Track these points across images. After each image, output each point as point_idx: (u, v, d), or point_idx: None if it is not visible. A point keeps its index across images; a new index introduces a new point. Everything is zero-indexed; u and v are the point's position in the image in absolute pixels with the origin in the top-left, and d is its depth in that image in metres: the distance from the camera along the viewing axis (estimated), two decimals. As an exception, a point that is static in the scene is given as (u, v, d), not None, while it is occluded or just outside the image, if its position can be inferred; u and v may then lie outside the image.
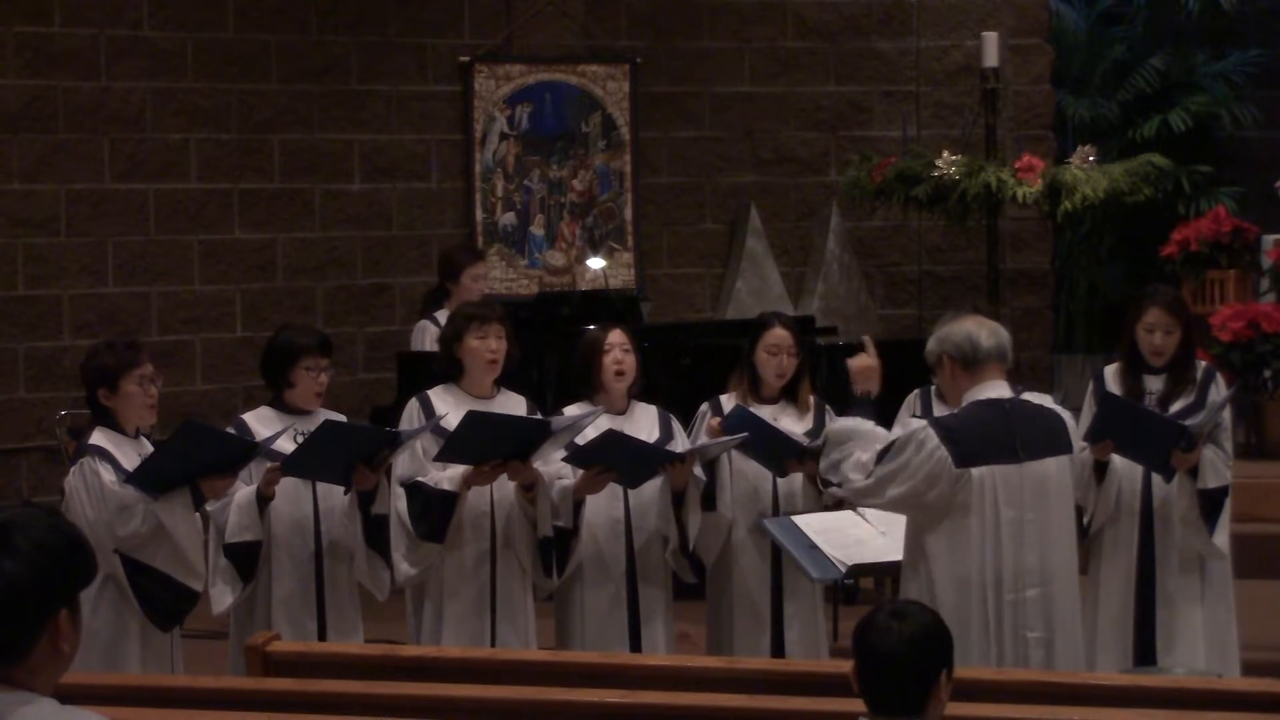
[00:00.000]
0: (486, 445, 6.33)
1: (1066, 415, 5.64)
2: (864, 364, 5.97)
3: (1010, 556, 5.33)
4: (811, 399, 6.95)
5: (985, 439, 5.34)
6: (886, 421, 7.01)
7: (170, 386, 8.05)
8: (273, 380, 6.52)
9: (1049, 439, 5.47)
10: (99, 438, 6.15)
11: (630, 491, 6.67)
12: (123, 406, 6.18)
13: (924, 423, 5.45)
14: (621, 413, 6.69)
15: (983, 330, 5.47)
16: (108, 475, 6.05)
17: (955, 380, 5.49)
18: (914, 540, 5.49)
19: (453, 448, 6.32)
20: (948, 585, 5.34)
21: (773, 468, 6.77)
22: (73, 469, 6.14)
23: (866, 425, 5.70)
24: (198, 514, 6.20)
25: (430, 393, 6.62)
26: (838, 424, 5.82)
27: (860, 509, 6.41)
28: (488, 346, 6.55)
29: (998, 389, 5.44)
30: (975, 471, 5.31)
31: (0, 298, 10.29)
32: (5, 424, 10.30)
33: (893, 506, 5.52)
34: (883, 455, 5.42)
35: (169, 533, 6.04)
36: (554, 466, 6.58)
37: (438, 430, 6.39)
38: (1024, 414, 5.48)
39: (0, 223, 10.27)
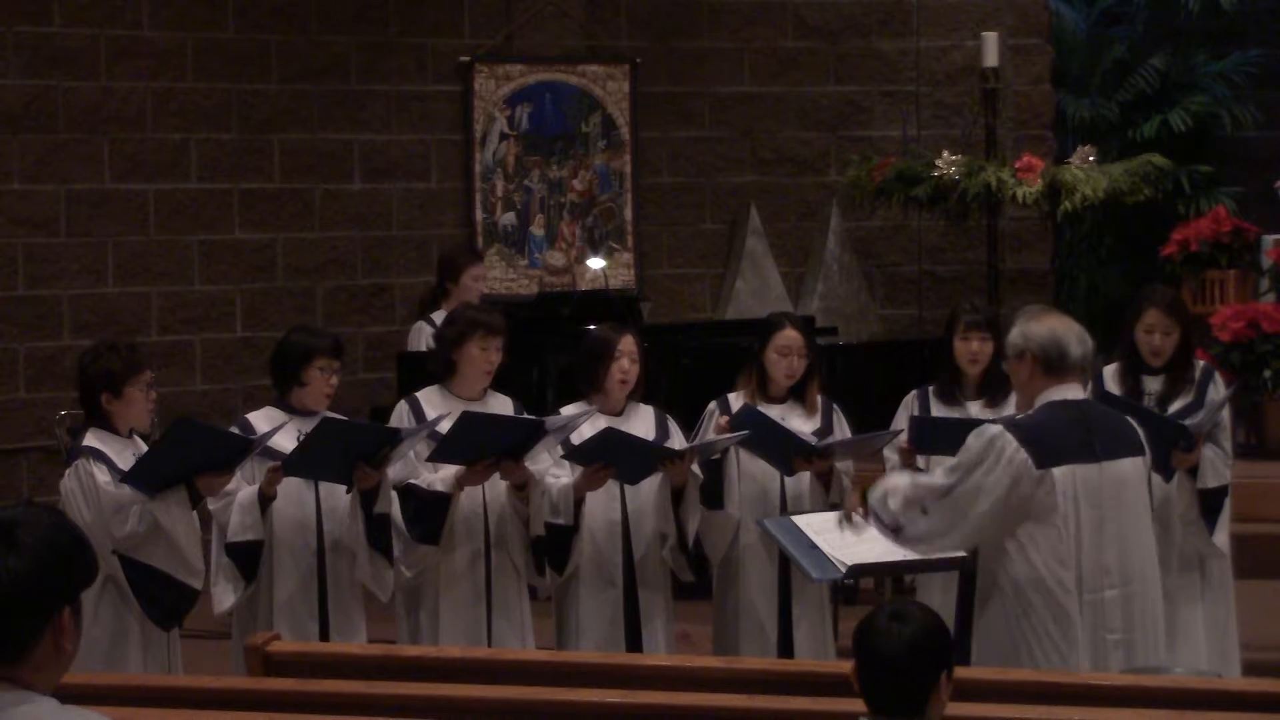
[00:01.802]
0: (480, 445, 6.33)
1: (1135, 422, 5.56)
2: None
3: (1090, 557, 5.26)
4: (819, 399, 6.95)
5: (1064, 439, 5.26)
6: (881, 424, 7.03)
7: (170, 386, 8.07)
8: (283, 379, 6.51)
9: (1124, 440, 5.41)
10: (93, 439, 6.15)
11: (628, 494, 6.67)
12: (123, 411, 6.19)
13: (999, 428, 5.31)
14: (618, 413, 6.69)
15: (1071, 335, 5.33)
16: (103, 476, 6.05)
17: (1032, 380, 5.37)
18: (992, 549, 5.34)
19: (446, 447, 6.32)
20: (1033, 589, 5.24)
21: (781, 467, 6.77)
22: (68, 471, 6.15)
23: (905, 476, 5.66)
24: (195, 512, 6.21)
25: (419, 394, 6.63)
26: (880, 489, 5.57)
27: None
28: (488, 358, 6.56)
29: (1074, 391, 5.37)
30: (1056, 472, 5.23)
31: (0, 298, 10.29)
32: (5, 424, 10.30)
33: (979, 526, 5.29)
34: (953, 482, 5.28)
35: (166, 531, 6.04)
36: (544, 465, 6.58)
37: (434, 434, 6.39)
38: (1098, 415, 5.43)
39: (0, 223, 10.27)
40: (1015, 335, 5.41)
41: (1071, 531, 5.24)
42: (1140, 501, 5.42)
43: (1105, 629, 5.28)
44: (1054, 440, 5.25)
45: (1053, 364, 5.33)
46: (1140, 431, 5.51)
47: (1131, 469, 5.39)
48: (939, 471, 5.45)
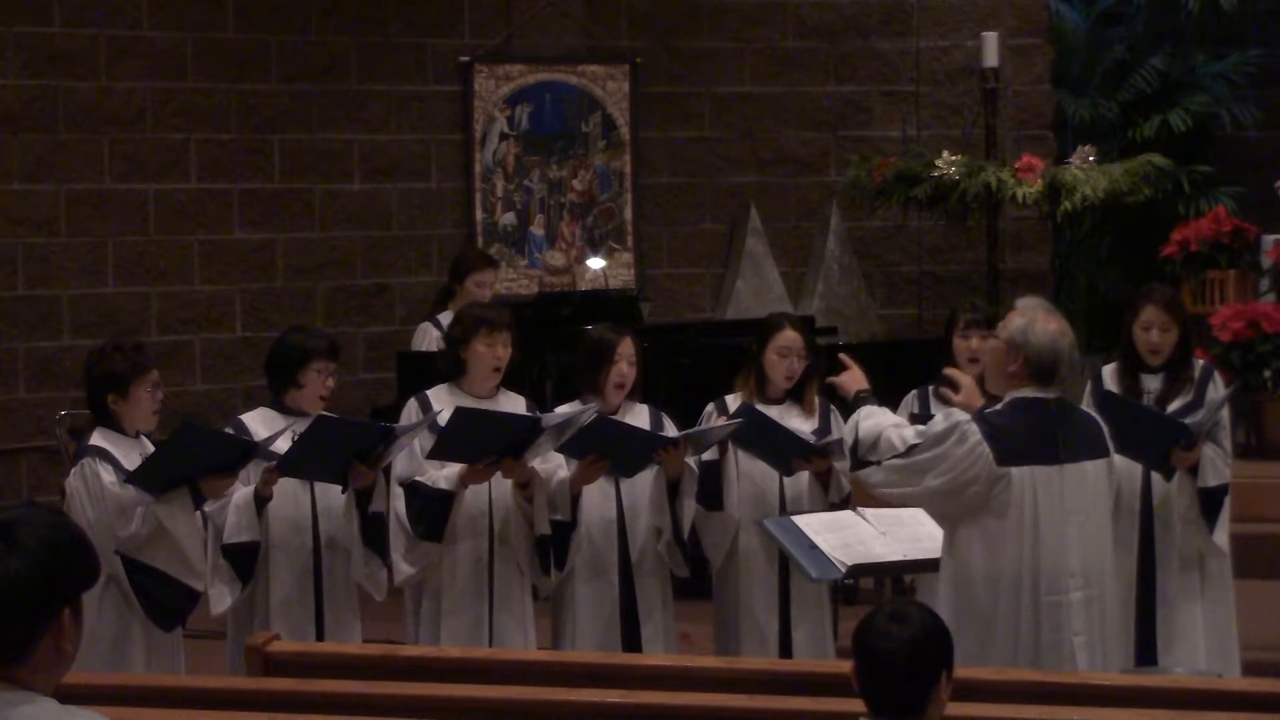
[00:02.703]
0: (477, 442, 6.32)
1: (1101, 422, 5.57)
2: (847, 377, 5.91)
3: (1050, 558, 5.26)
4: (817, 400, 6.94)
5: (1029, 439, 5.28)
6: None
7: (170, 386, 8.01)
8: (278, 380, 6.51)
9: (1089, 442, 5.42)
10: (99, 439, 6.15)
11: (623, 490, 6.67)
12: (129, 411, 6.19)
13: (966, 415, 5.37)
14: (613, 412, 6.69)
15: (1066, 350, 5.34)
16: (108, 476, 6.05)
17: (1014, 378, 5.37)
18: (948, 535, 5.43)
19: (444, 444, 6.31)
20: (980, 582, 5.29)
21: (779, 467, 6.77)
22: (73, 470, 6.15)
23: (890, 415, 5.67)
24: (198, 513, 6.21)
25: (429, 392, 6.62)
26: (864, 409, 5.69)
27: (860, 510, 6.41)
28: (494, 354, 6.55)
29: (1045, 391, 5.38)
30: (1015, 472, 5.26)
31: (0, 298, 10.29)
32: (5, 424, 10.30)
33: (927, 496, 5.39)
34: (916, 446, 5.34)
35: (169, 533, 6.04)
36: (551, 464, 6.58)
37: (434, 427, 6.39)
38: (1065, 415, 5.43)
39: (0, 223, 10.27)
40: (1017, 330, 5.38)
41: (1028, 531, 5.26)
42: (1102, 503, 5.44)
43: (1070, 630, 5.30)
44: (1017, 440, 5.28)
45: (1042, 374, 5.34)
46: (1107, 432, 5.51)
47: (1094, 471, 5.40)
48: (910, 431, 5.45)
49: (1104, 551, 5.43)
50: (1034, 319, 5.39)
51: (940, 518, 5.51)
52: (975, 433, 5.26)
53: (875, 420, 5.54)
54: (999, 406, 5.42)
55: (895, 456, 5.38)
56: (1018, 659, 5.26)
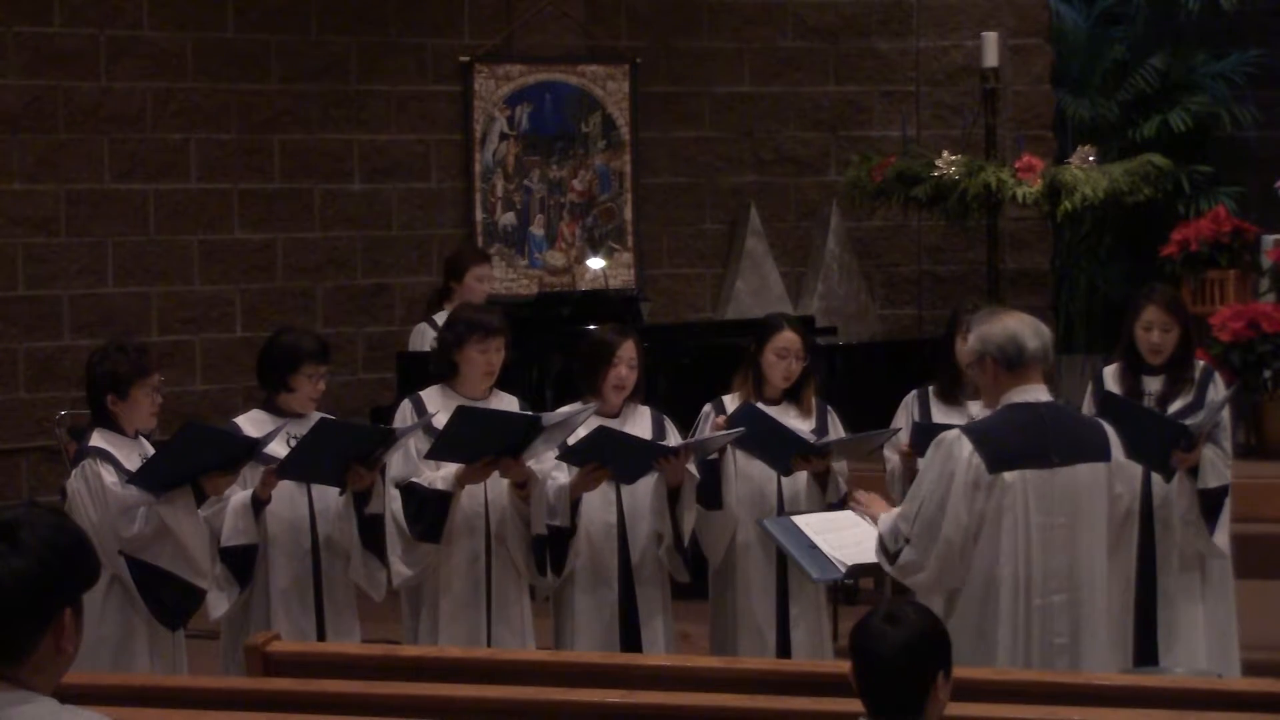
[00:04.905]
0: (477, 442, 6.31)
1: (1107, 427, 5.53)
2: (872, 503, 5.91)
3: (1039, 561, 5.25)
4: (814, 401, 6.94)
5: (1018, 443, 5.26)
6: (881, 424, 7.02)
7: (170, 386, 8.01)
8: (270, 383, 6.51)
9: (1084, 445, 5.38)
10: (99, 439, 6.15)
11: (624, 495, 6.66)
12: (129, 412, 6.18)
13: (955, 432, 5.33)
14: (615, 415, 6.68)
15: (1026, 329, 5.33)
16: (110, 477, 6.05)
17: (997, 381, 5.36)
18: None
19: (443, 445, 6.30)
20: (976, 584, 5.27)
21: (778, 466, 6.76)
22: (74, 471, 6.14)
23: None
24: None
25: (423, 394, 6.61)
26: (882, 516, 5.58)
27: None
28: (487, 360, 6.54)
29: (1035, 392, 5.34)
30: (1008, 476, 5.23)
31: (0, 298, 10.29)
32: (5, 424, 10.30)
33: (949, 539, 5.25)
34: (918, 504, 5.28)
35: (172, 532, 6.04)
36: (547, 464, 6.57)
37: (430, 429, 6.39)
38: (1060, 419, 5.40)
39: (0, 223, 10.27)
40: (973, 341, 5.41)
41: (1021, 534, 5.24)
42: (1097, 508, 5.38)
43: (1052, 633, 5.28)
44: (1007, 444, 5.25)
45: (1012, 361, 5.31)
46: (1109, 435, 5.47)
47: (1089, 475, 5.35)
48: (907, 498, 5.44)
49: (1094, 556, 5.37)
50: (981, 323, 5.41)
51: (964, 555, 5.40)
52: (966, 445, 5.24)
53: (890, 514, 5.50)
54: (988, 415, 5.42)
55: (909, 523, 5.31)
56: (1013, 661, 5.25)
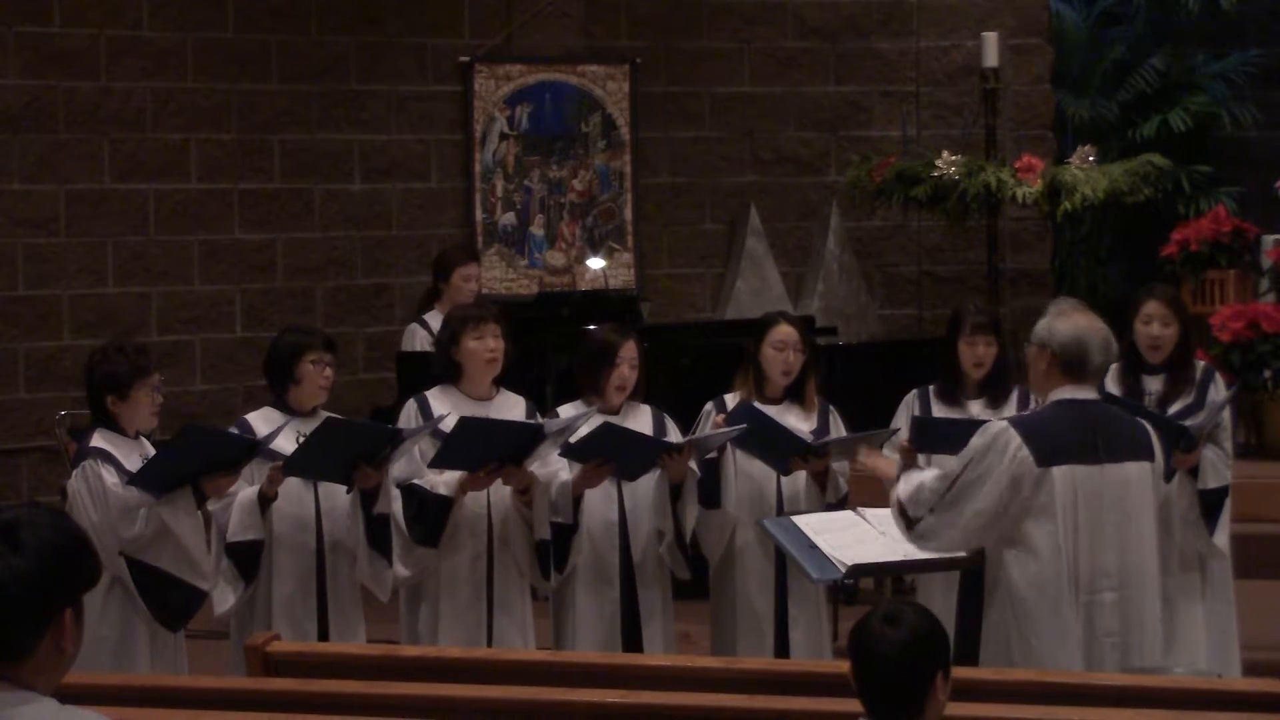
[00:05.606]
0: (481, 450, 6.32)
1: (1150, 427, 5.52)
2: (884, 464, 5.91)
3: (1086, 559, 5.23)
4: (816, 399, 6.94)
5: (1067, 439, 5.23)
6: (881, 424, 7.02)
7: (170, 387, 8.02)
8: (277, 378, 6.51)
9: (1131, 443, 5.35)
10: (100, 440, 6.15)
11: (625, 493, 6.67)
12: (129, 413, 6.19)
13: (1004, 423, 5.30)
14: (615, 413, 6.69)
15: (1096, 341, 5.28)
16: (110, 478, 6.05)
17: (1049, 375, 5.32)
18: (996, 550, 5.33)
19: (448, 454, 6.31)
20: (1027, 587, 5.23)
21: (777, 466, 6.76)
22: (75, 472, 6.15)
23: (930, 470, 5.63)
24: (200, 513, 6.21)
25: (428, 394, 6.61)
26: (902, 476, 5.59)
27: (860, 510, 6.40)
28: (485, 346, 6.53)
29: (1085, 391, 5.32)
30: (1056, 471, 5.20)
31: (0, 298, 10.29)
32: (5, 424, 10.30)
33: (974, 523, 5.26)
34: (954, 475, 5.26)
35: (173, 533, 6.04)
36: (553, 465, 6.57)
37: (437, 433, 6.38)
38: (1107, 417, 5.38)
39: (0, 223, 10.27)
40: (1041, 327, 5.36)
41: (1069, 531, 5.22)
42: (1144, 506, 5.35)
43: (1103, 631, 5.25)
44: (1056, 439, 5.23)
45: (1071, 366, 5.28)
46: (1152, 435, 5.44)
47: (1136, 472, 5.33)
48: (948, 467, 5.43)
49: (1144, 553, 5.34)
50: (1060, 314, 5.36)
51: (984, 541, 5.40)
52: (1015, 438, 5.21)
53: (911, 479, 5.49)
54: (1035, 409, 5.39)
55: (939, 496, 5.30)
56: (1073, 662, 5.21)
